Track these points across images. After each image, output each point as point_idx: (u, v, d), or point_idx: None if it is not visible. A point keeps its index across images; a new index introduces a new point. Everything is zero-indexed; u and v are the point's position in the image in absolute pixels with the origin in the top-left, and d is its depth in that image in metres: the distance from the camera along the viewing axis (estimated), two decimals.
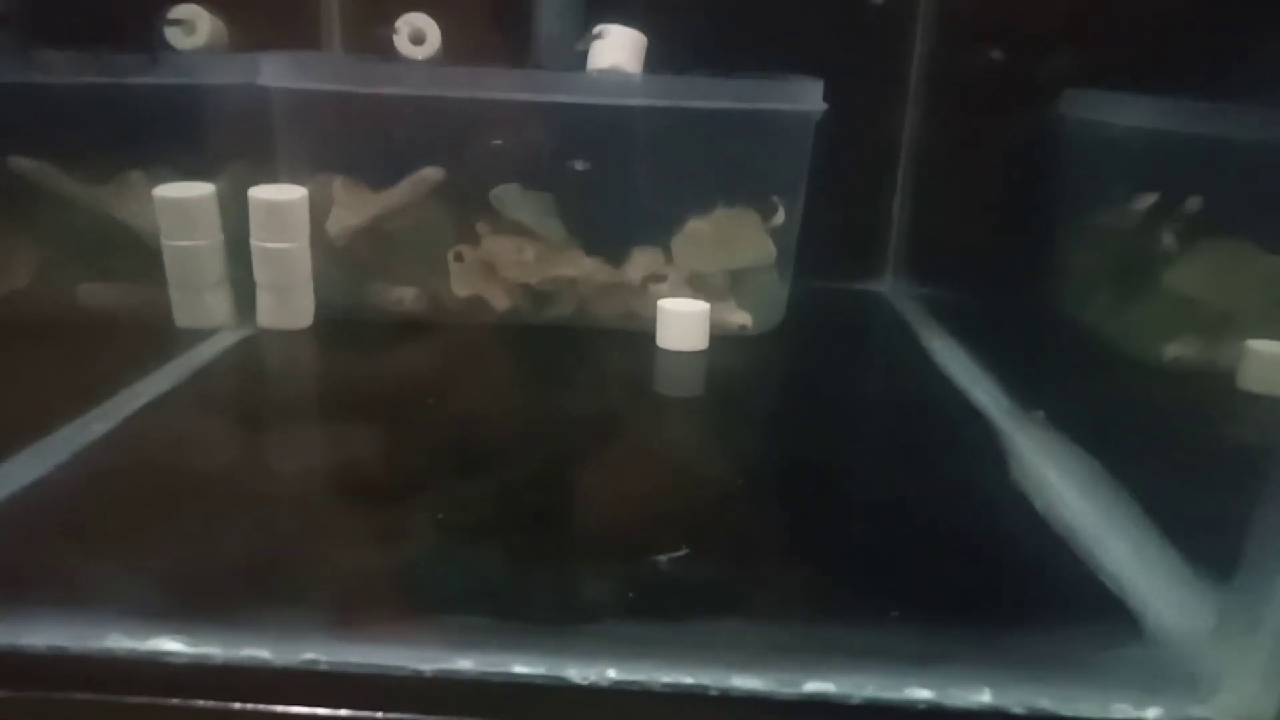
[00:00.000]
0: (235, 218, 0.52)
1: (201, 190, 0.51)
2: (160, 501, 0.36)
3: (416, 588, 0.31)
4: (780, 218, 0.57)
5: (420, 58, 0.64)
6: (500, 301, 0.57)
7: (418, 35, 0.65)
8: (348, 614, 0.29)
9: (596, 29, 0.56)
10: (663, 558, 0.33)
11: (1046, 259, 0.65)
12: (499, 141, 0.54)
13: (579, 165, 0.53)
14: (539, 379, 0.52)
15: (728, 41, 0.64)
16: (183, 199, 0.50)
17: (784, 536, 0.36)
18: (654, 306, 0.56)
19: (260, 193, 0.52)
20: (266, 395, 0.48)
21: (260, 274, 0.52)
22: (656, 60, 0.57)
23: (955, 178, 0.70)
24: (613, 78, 0.54)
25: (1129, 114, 0.55)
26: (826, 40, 0.66)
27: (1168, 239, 0.52)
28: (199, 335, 0.51)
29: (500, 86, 0.52)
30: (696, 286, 0.57)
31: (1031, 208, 0.67)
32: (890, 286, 0.72)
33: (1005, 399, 0.48)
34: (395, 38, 0.65)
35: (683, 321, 0.54)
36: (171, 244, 0.50)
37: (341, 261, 0.56)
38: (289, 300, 0.53)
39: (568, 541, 0.35)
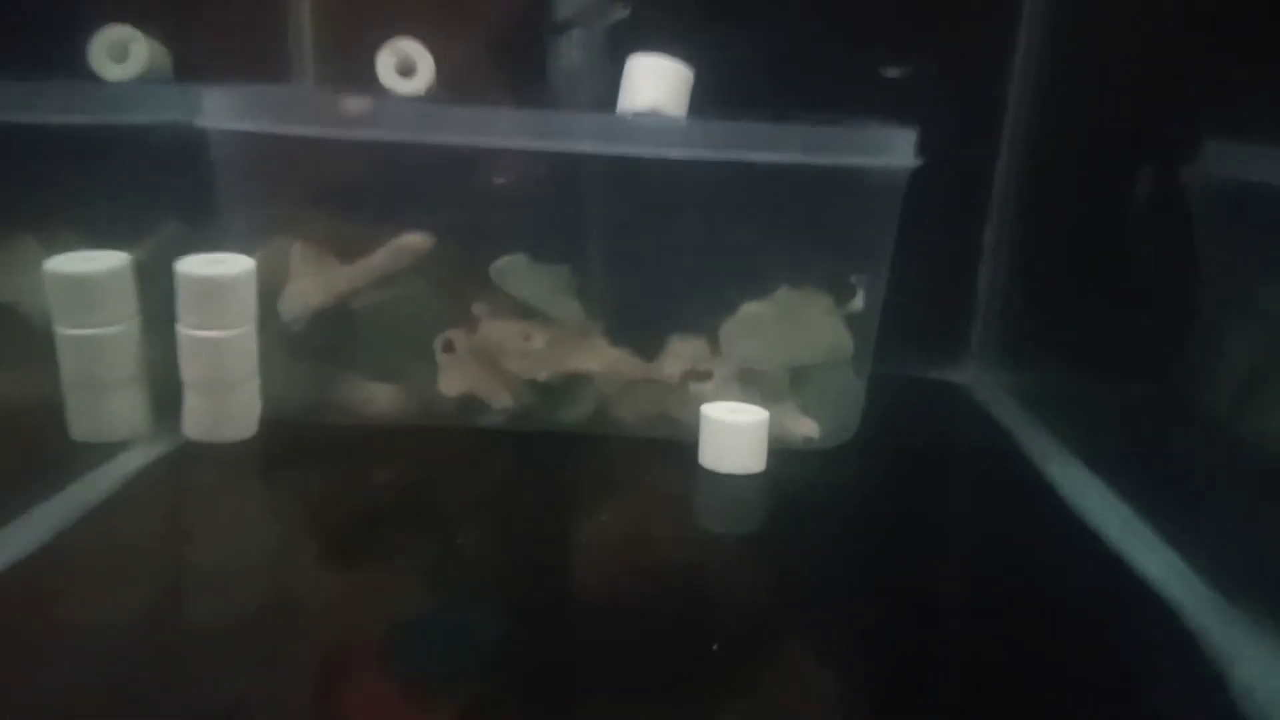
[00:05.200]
0: (162, 294, 0.41)
1: (110, 262, 0.39)
2: None
3: None
4: (859, 302, 0.44)
5: (409, 92, 0.53)
6: (501, 401, 0.45)
7: (407, 65, 0.54)
8: None
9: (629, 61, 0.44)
10: None
11: (1179, 348, 0.53)
12: (501, 180, 0.42)
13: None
14: (543, 510, 0.40)
15: (790, 80, 0.52)
16: (82, 275, 0.38)
17: None
18: (695, 409, 0.43)
19: (191, 267, 0.40)
20: (179, 547, 0.36)
21: (188, 370, 0.40)
22: (704, 98, 0.46)
23: (1059, 243, 0.58)
24: (650, 122, 0.42)
25: None
26: (901, 77, 0.55)
27: None
28: (101, 452, 0.39)
29: (504, 130, 0.41)
30: (750, 385, 0.45)
31: (1158, 282, 0.54)
32: (974, 376, 0.59)
33: (1189, 570, 0.35)
34: (380, 69, 0.54)
35: (733, 435, 0.42)
36: (67, 332, 0.38)
37: (298, 349, 0.44)
38: (225, 404, 0.41)
39: None
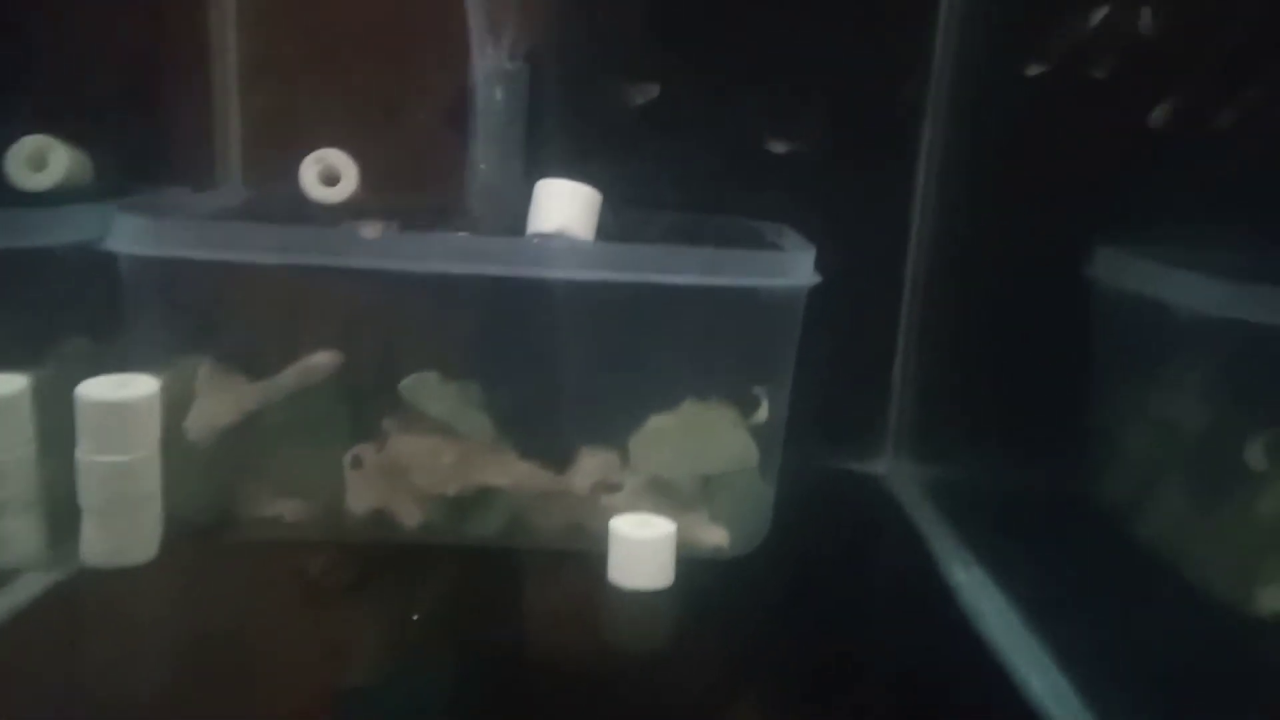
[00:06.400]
0: (65, 412, 0.40)
1: (4, 389, 0.39)
2: None
3: None
4: (764, 414, 0.46)
5: (333, 200, 0.54)
6: (411, 516, 0.45)
7: (331, 175, 0.55)
8: None
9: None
10: None
11: (1083, 445, 0.55)
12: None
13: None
14: (448, 628, 0.40)
15: (700, 190, 0.54)
16: None
17: None
18: (607, 520, 0.44)
19: (92, 391, 0.40)
20: (73, 681, 0.35)
21: (87, 496, 0.40)
22: (619, 201, 0.47)
23: (968, 341, 0.60)
24: (558, 245, 0.44)
25: (1181, 292, 0.45)
26: (812, 184, 0.57)
27: (1255, 456, 0.41)
28: None
29: (413, 255, 0.42)
30: (661, 494, 0.46)
31: (1062, 380, 0.56)
32: (891, 467, 0.60)
33: (1071, 692, 0.36)
34: (304, 178, 0.54)
35: (640, 551, 0.42)
36: None
37: (204, 466, 0.43)
38: (125, 528, 0.40)
39: None
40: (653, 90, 0.45)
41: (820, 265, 0.45)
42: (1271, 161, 0.53)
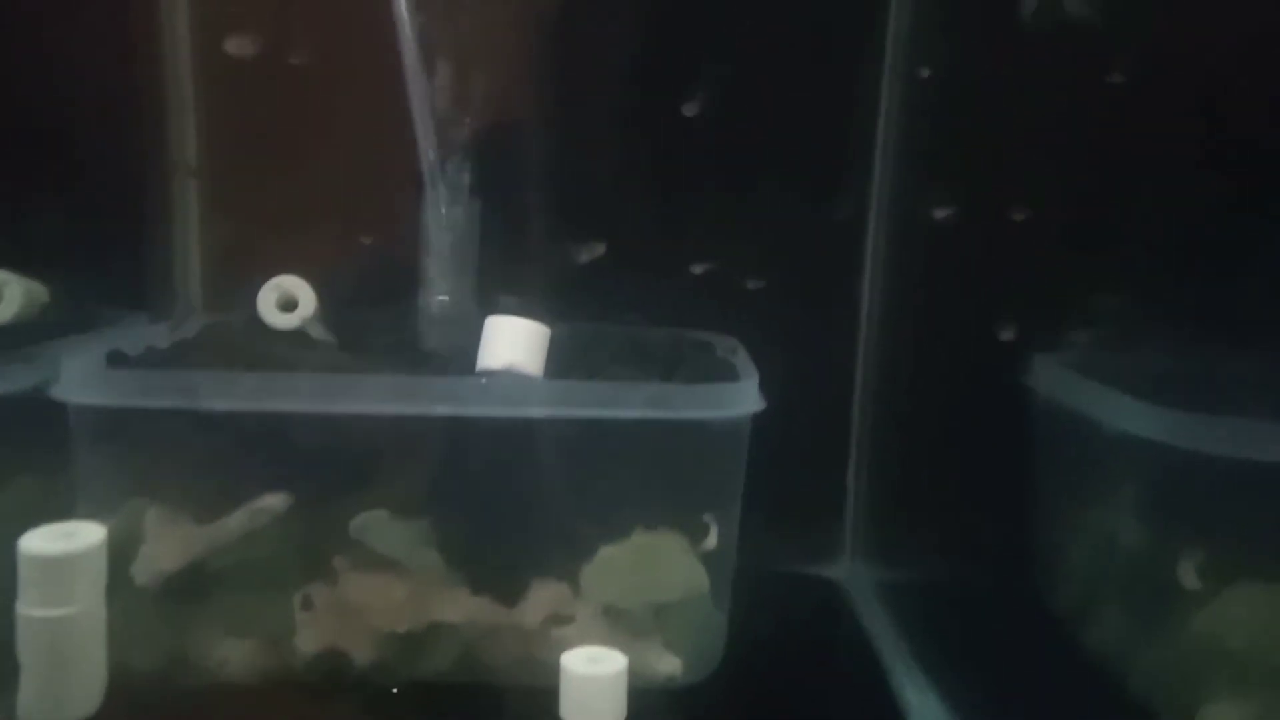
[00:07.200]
0: (6, 555, 0.40)
1: None
2: None
3: None
4: (713, 540, 0.46)
5: (290, 326, 0.54)
6: (362, 654, 0.45)
7: (288, 301, 0.55)
8: None
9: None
10: None
11: (1033, 556, 0.55)
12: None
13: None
14: None
15: (651, 312, 0.56)
16: None
17: None
18: (559, 651, 0.44)
19: (35, 544, 0.39)
20: None
21: (26, 652, 0.39)
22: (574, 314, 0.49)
23: (918, 446, 0.61)
24: (506, 383, 0.44)
25: (1101, 407, 0.46)
26: (761, 301, 0.59)
27: (1188, 575, 0.42)
28: None
29: (359, 398, 0.42)
30: (613, 624, 0.46)
31: (1010, 490, 0.58)
32: (848, 572, 0.61)
33: None
34: (261, 304, 0.55)
35: (591, 689, 0.42)
36: None
37: (151, 611, 0.43)
38: (67, 683, 0.40)
39: None
40: (598, 249, 0.47)
41: (772, 376, 0.47)
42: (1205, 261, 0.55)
